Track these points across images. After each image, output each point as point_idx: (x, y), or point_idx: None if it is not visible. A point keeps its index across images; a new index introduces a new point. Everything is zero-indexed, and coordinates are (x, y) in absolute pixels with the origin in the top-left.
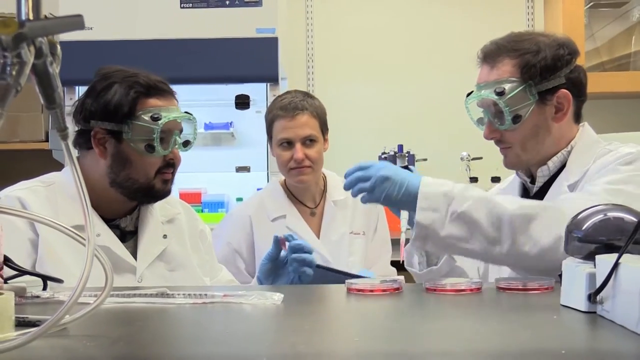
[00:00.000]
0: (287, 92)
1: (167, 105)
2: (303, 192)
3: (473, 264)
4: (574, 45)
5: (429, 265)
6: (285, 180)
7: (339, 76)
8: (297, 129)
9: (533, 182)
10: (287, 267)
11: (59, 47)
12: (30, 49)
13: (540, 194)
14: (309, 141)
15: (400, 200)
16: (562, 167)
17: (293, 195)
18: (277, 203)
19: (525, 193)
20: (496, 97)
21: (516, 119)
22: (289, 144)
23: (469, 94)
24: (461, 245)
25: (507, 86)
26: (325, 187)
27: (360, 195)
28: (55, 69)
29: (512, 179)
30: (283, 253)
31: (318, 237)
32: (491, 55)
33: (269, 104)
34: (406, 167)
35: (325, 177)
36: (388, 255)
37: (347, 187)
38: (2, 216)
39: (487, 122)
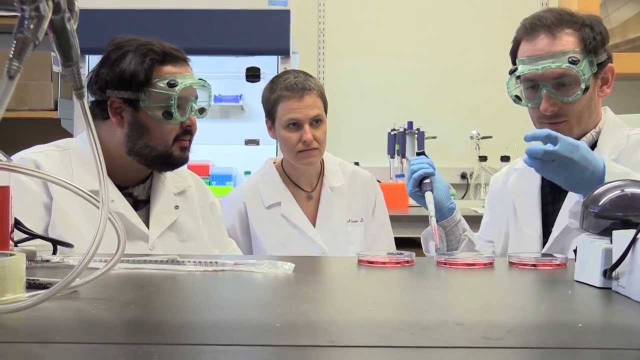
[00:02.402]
0: (287, 72)
1: (182, 72)
2: (300, 175)
3: (490, 247)
4: None
5: (449, 249)
6: (281, 162)
7: (350, 51)
8: (305, 110)
9: None
10: None
11: (76, 3)
12: (49, 4)
13: None
14: (315, 122)
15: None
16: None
17: (289, 178)
18: (272, 188)
19: None
20: (572, 66)
21: (586, 90)
22: (295, 125)
23: (512, 71)
24: None
25: (578, 56)
26: (322, 170)
27: (361, 182)
28: (72, 26)
29: None
30: None
31: (314, 225)
32: (552, 25)
33: (267, 85)
34: (422, 153)
35: (322, 159)
36: (388, 237)
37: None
38: (16, 178)
39: (546, 95)
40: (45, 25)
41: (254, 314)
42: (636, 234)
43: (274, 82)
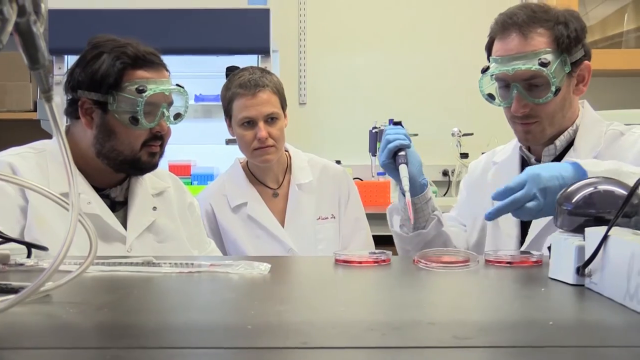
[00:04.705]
0: (244, 69)
1: (156, 78)
2: (265, 172)
3: (461, 233)
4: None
5: (415, 228)
6: (247, 161)
7: (331, 49)
8: (259, 107)
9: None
10: None
11: (43, 5)
12: (13, 6)
13: None
14: (270, 119)
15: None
16: (567, 146)
17: (254, 176)
18: (238, 188)
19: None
20: (542, 68)
21: (557, 91)
22: (250, 123)
23: (484, 70)
24: None
25: (549, 57)
26: (288, 166)
27: (332, 176)
28: (39, 29)
29: (509, 154)
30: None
31: (282, 224)
32: (523, 24)
33: (225, 82)
34: (398, 123)
35: (289, 155)
36: (363, 231)
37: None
38: None
39: (517, 96)
40: (10, 28)
41: (227, 316)
42: (607, 231)
43: (230, 79)
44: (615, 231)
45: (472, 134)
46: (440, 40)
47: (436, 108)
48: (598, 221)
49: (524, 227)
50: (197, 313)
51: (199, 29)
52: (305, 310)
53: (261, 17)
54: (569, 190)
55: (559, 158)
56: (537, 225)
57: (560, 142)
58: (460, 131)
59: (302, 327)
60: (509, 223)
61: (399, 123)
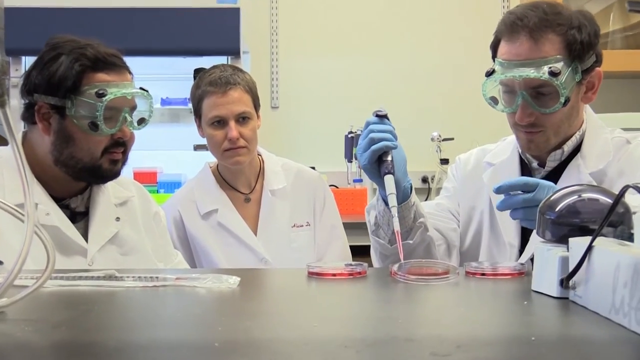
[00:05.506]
0: (215, 67)
1: (118, 81)
2: (236, 176)
3: (454, 228)
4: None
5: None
6: (217, 165)
7: (304, 50)
8: (229, 106)
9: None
10: None
11: None
12: None
13: (550, 178)
14: (242, 119)
15: None
16: (572, 150)
17: (225, 181)
18: (208, 194)
19: (525, 173)
20: (552, 78)
21: (567, 101)
22: (220, 122)
23: (489, 73)
24: None
25: (559, 66)
26: (261, 170)
27: (306, 182)
28: None
29: (507, 155)
30: None
31: (255, 232)
32: (535, 28)
33: (195, 81)
34: (384, 117)
35: (262, 159)
36: (340, 241)
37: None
38: None
39: (522, 104)
40: None
41: (192, 332)
42: (592, 241)
43: (200, 77)
44: (600, 241)
45: (452, 139)
46: (418, 43)
47: (414, 112)
48: (582, 231)
49: (524, 238)
50: (161, 330)
51: (166, 28)
52: (275, 326)
53: (231, 17)
54: (552, 198)
55: (564, 164)
56: (536, 238)
57: (567, 147)
58: (440, 136)
59: (272, 344)
60: (510, 232)
61: (385, 116)
